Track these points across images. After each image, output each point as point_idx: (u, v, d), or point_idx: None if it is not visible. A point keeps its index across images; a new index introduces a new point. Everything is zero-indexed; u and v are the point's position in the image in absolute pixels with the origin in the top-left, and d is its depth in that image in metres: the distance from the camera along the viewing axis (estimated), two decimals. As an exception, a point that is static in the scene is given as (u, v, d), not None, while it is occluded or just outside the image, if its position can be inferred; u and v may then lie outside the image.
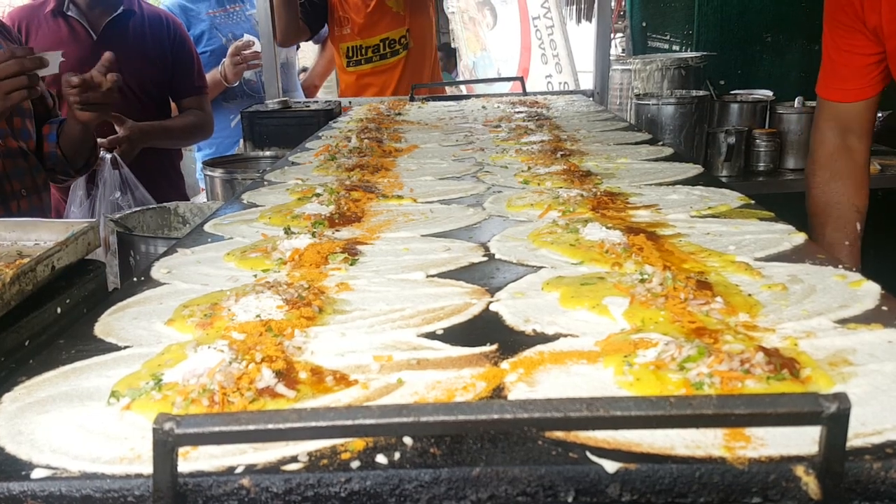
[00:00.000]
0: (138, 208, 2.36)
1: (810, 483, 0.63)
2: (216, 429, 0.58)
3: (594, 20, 4.03)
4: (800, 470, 0.63)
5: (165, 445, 0.58)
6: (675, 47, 4.82)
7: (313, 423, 0.58)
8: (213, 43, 4.03)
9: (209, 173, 2.72)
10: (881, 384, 0.78)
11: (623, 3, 5.51)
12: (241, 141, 3.38)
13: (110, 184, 2.82)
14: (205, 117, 3.43)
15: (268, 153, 3.05)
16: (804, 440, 0.66)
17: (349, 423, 0.58)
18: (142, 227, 2.20)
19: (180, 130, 3.34)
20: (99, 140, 2.90)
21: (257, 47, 3.84)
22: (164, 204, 2.39)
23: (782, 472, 0.63)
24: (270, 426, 0.58)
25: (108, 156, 2.87)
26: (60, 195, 3.08)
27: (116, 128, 2.94)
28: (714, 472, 0.64)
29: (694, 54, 4.28)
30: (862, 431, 0.68)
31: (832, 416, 0.58)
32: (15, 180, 2.33)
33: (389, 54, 4.19)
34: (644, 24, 4.96)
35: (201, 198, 3.29)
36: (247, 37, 3.88)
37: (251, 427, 0.58)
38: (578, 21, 6.23)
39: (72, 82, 2.41)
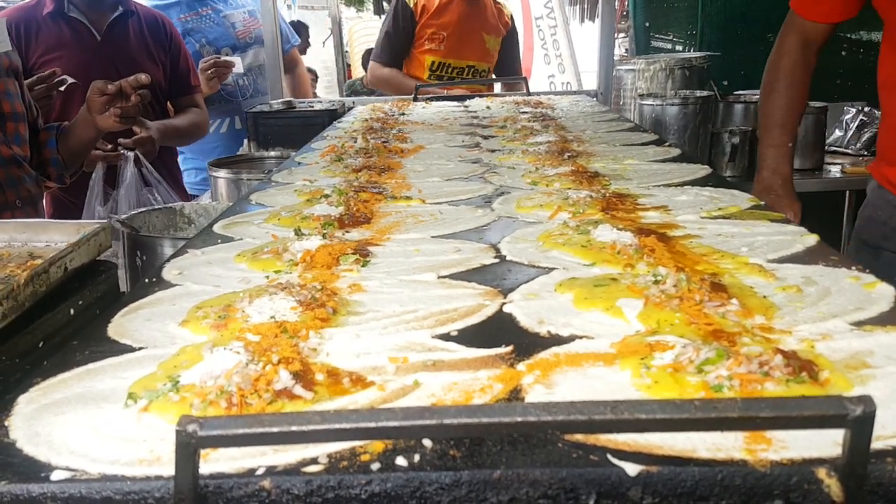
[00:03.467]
0: (144, 209, 2.36)
1: (833, 485, 0.63)
2: (240, 431, 0.58)
3: (597, 20, 4.03)
4: (822, 472, 0.63)
5: (188, 447, 0.58)
6: (679, 47, 4.83)
7: (336, 426, 0.58)
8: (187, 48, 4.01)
9: (213, 174, 2.72)
10: (900, 386, 0.78)
11: (626, 4, 5.50)
12: (246, 141, 3.39)
13: (133, 181, 2.84)
14: (203, 115, 3.46)
15: (272, 153, 3.05)
16: (825, 442, 0.66)
17: (373, 425, 0.58)
18: (148, 228, 2.20)
19: (186, 129, 3.36)
20: (121, 140, 2.91)
21: (239, 68, 3.85)
22: (170, 204, 2.39)
23: (804, 475, 0.63)
24: (294, 428, 0.58)
25: (131, 154, 2.89)
26: (63, 195, 3.07)
27: (136, 129, 2.92)
28: (736, 475, 0.64)
29: (697, 54, 4.28)
30: (882, 434, 0.68)
31: (857, 419, 0.58)
32: (10, 190, 2.25)
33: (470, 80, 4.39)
34: (647, 25, 4.97)
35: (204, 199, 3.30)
36: (231, 59, 3.85)
37: (275, 429, 0.58)
38: (581, 21, 6.23)
39: (107, 90, 2.40)
